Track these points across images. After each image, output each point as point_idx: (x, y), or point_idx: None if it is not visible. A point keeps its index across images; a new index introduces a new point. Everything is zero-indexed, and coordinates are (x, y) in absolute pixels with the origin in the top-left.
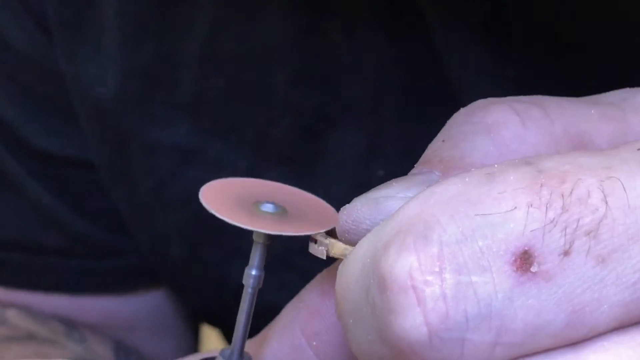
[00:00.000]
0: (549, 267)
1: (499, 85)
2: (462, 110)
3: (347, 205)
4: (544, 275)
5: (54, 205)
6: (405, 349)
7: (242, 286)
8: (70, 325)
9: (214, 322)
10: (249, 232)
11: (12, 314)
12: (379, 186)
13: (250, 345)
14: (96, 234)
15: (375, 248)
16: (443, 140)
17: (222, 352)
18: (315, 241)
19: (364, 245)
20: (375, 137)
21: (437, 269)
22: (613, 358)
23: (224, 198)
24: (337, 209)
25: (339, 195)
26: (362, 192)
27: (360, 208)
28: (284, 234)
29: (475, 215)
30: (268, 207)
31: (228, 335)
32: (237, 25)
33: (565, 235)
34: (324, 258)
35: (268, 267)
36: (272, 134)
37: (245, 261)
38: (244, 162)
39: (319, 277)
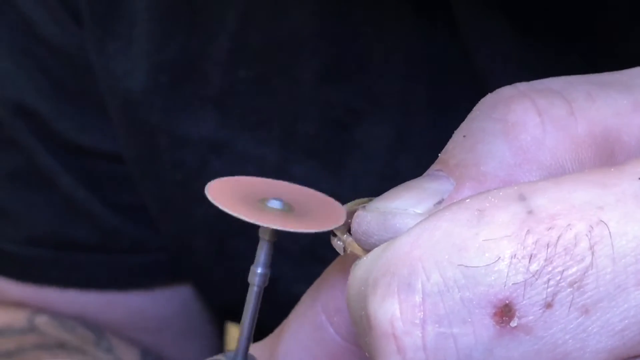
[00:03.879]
0: (529, 320)
1: (526, 77)
2: (487, 98)
3: (360, 212)
4: (524, 328)
5: (87, 200)
6: None
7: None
8: (99, 333)
9: (239, 319)
10: None
11: (42, 321)
12: (391, 192)
13: (270, 338)
14: (127, 230)
15: (367, 281)
16: (464, 136)
17: (226, 355)
18: (336, 235)
19: (361, 270)
20: (404, 130)
21: (417, 321)
22: None
23: (231, 194)
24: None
25: (367, 188)
26: (390, 186)
27: (370, 222)
28: (289, 229)
29: (459, 265)
30: (275, 204)
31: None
32: (266, 19)
33: (547, 288)
34: (342, 253)
35: (295, 259)
36: (300, 128)
37: None
38: (271, 155)
39: (341, 256)
